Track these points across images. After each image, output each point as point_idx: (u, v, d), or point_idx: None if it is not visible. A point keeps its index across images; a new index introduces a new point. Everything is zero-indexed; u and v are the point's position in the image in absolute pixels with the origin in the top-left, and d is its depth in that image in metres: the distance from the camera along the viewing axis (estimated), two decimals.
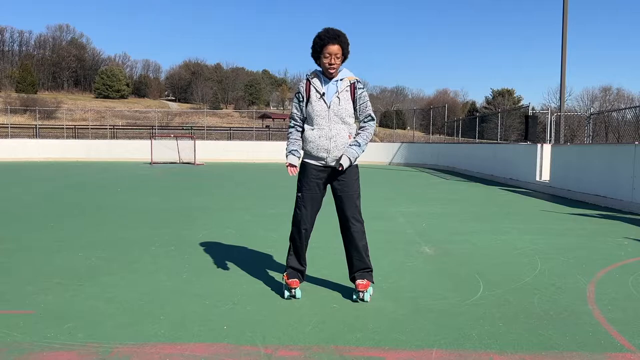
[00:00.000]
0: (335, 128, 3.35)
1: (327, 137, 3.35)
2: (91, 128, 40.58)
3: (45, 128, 39.58)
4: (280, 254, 4.70)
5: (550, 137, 14.11)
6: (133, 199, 9.34)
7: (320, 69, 3.41)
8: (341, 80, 3.39)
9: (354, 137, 3.42)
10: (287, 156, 3.45)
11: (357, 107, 3.42)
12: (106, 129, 37.07)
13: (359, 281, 3.44)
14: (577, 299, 3.53)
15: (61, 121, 46.35)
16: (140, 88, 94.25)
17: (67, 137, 34.14)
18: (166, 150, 24.56)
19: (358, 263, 3.47)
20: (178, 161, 24.07)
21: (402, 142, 25.79)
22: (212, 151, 25.69)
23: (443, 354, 2.58)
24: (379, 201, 8.97)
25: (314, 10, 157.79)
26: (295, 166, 3.43)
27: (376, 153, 24.15)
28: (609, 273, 4.25)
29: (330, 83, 3.38)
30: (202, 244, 5.20)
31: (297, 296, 3.44)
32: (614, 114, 17.88)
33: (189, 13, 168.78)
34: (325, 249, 4.91)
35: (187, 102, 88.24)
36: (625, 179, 8.52)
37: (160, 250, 4.94)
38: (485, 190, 12.14)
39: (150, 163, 22.77)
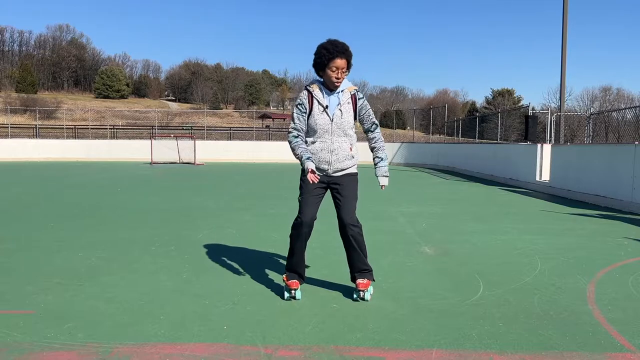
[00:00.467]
0: (337, 141, 3.37)
1: (329, 150, 3.36)
2: (91, 128, 40.56)
3: (45, 128, 39.56)
4: (281, 254, 4.70)
5: (550, 137, 14.11)
6: (133, 199, 9.34)
7: (321, 80, 3.40)
8: (342, 91, 3.40)
9: (375, 151, 3.50)
10: (304, 164, 3.29)
11: (361, 116, 3.48)
12: (106, 129, 37.04)
13: (359, 280, 3.45)
14: (577, 299, 3.53)
15: (61, 121, 46.38)
16: (140, 88, 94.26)
17: (67, 137, 34.12)
18: (166, 150, 24.56)
19: (358, 263, 3.48)
20: (178, 161, 24.07)
21: (402, 142, 25.80)
22: (212, 151, 25.68)
23: (443, 354, 2.58)
24: (379, 201, 8.97)
25: (314, 10, 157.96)
26: (315, 172, 3.30)
27: None
28: (609, 273, 4.25)
29: (332, 95, 3.38)
30: (202, 244, 5.20)
31: (297, 297, 3.44)
32: (614, 114, 17.89)
33: (189, 13, 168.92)
34: (325, 249, 4.91)
35: (187, 102, 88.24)
36: (625, 179, 8.52)
37: (160, 250, 4.94)
38: (485, 190, 12.14)
39: (150, 163, 22.77)
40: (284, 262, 3.78)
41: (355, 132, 3.50)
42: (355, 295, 3.45)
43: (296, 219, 3.44)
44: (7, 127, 32.17)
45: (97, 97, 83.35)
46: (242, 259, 4.60)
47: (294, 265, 3.50)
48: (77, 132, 39.41)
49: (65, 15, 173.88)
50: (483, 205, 9.13)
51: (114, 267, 4.27)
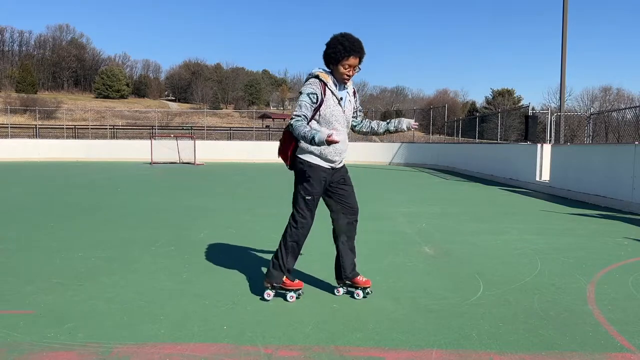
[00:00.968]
0: (344, 133, 3.42)
1: (343, 141, 3.38)
2: (91, 128, 40.56)
3: (45, 128, 39.56)
4: None
5: (550, 137, 14.11)
6: (133, 199, 9.34)
7: (329, 70, 3.33)
8: (348, 85, 3.44)
9: (377, 122, 3.64)
10: (316, 135, 3.02)
11: (355, 109, 3.59)
12: (106, 129, 37.04)
13: (360, 277, 3.46)
14: (577, 299, 3.53)
15: (61, 121, 46.39)
16: (140, 88, 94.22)
17: (67, 137, 34.13)
18: (166, 150, 24.56)
19: (353, 261, 3.49)
20: (178, 161, 24.07)
21: (402, 142, 25.75)
22: (212, 151, 25.68)
23: (443, 354, 2.58)
24: (379, 201, 8.96)
25: (314, 10, 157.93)
26: (332, 133, 3.09)
27: (376, 153, 24.10)
28: (609, 273, 4.25)
29: (342, 89, 3.40)
30: (202, 244, 5.20)
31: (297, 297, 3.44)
32: (614, 114, 17.89)
33: (189, 13, 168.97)
34: (325, 249, 4.91)
35: (187, 102, 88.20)
36: (625, 179, 8.52)
37: (160, 250, 4.94)
38: (485, 190, 12.14)
39: (150, 163, 22.76)
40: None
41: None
42: (357, 296, 3.45)
43: (302, 219, 3.33)
44: (7, 127, 32.13)
45: (97, 97, 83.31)
46: (242, 259, 4.60)
47: (293, 266, 3.49)
48: (77, 132, 39.41)
49: (65, 15, 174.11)
50: (483, 205, 9.13)
51: (114, 267, 4.27)
